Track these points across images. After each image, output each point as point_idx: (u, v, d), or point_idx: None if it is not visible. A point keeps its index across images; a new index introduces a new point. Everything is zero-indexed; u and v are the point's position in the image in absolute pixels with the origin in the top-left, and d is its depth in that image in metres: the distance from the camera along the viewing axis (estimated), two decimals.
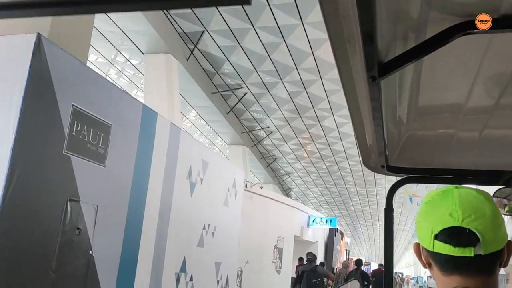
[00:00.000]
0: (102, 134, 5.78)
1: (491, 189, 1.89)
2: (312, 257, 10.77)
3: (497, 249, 1.01)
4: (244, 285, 15.50)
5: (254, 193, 16.68)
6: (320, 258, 24.46)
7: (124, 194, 6.24)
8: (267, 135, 21.92)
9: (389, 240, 2.06)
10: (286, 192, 29.05)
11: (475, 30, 1.02)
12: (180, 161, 7.62)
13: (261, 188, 17.84)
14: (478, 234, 0.97)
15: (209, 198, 8.99)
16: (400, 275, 38.44)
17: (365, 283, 11.86)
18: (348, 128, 20.52)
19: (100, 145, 5.76)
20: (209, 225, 8.98)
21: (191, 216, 8.17)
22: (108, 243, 5.98)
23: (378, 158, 1.87)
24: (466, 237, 0.98)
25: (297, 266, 15.59)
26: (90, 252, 5.64)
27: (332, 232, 26.57)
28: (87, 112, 5.52)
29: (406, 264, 74.59)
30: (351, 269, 14.14)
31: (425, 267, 1.10)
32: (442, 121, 1.73)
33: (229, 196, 10.27)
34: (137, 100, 7.03)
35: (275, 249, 18.92)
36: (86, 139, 5.53)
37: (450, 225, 1.00)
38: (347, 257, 35.22)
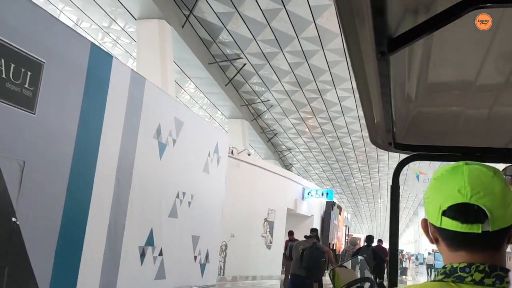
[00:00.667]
0: (29, 73, 4.34)
1: (499, 167, 1.62)
2: (316, 232, 9.07)
3: (505, 225, 0.94)
4: (229, 261, 14.01)
5: (241, 160, 14.92)
6: None
7: (65, 149, 4.82)
8: (267, 109, 20.46)
9: (395, 217, 1.89)
10: (287, 167, 27.65)
11: (487, 4, 0.99)
12: (145, 116, 6.19)
13: (249, 155, 16.00)
14: (486, 211, 0.92)
15: (184, 162, 7.57)
16: (401, 251, 37.06)
17: (375, 262, 10.28)
18: (351, 102, 19.08)
19: (26, 86, 4.32)
20: (184, 193, 7.61)
21: (160, 181, 6.79)
22: (41, 209, 4.57)
23: (385, 135, 1.74)
24: (474, 214, 0.92)
25: (287, 241, 13.45)
26: (14, 219, 4.26)
27: (329, 205, 24.15)
28: (5, 42, 4.11)
29: (407, 241, 73.47)
30: (360, 246, 12.43)
31: (432, 242, 1.03)
32: (451, 98, 1.61)
33: (210, 162, 8.85)
34: (83, 37, 5.55)
35: (265, 222, 17.05)
36: (4, 76, 4.11)
37: (459, 202, 0.94)
38: (347, 233, 33.41)
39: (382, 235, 66.93)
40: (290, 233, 13.51)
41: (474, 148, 1.88)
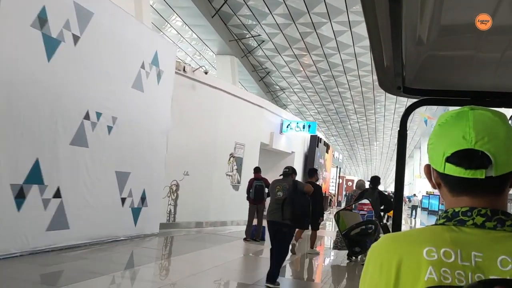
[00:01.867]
0: None
1: (508, 112, 1.68)
2: (288, 170, 6.21)
3: (508, 170, 0.87)
4: (182, 204, 10.82)
5: (196, 80, 11.08)
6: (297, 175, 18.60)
7: None
8: (258, 45, 17.80)
9: (401, 163, 1.74)
10: (282, 109, 25.24)
11: None
12: None
13: (206, 73, 11.54)
14: (490, 156, 0.84)
15: (96, 71, 5.26)
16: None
17: (382, 207, 7.96)
18: (347, 37, 16.41)
19: None
20: (98, 113, 5.24)
21: (51, 94, 4.49)
22: None
23: (394, 79, 1.59)
24: (478, 160, 0.84)
25: (252, 180, 10.07)
26: None
27: (314, 141, 19.08)
28: None
29: None
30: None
31: (434, 187, 0.96)
32: (464, 41, 1.43)
33: (145, 76, 6.37)
34: None
35: (231, 158, 13.02)
36: None
37: (463, 148, 0.86)
38: (339, 174, 30.63)
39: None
40: (256, 170, 10.19)
41: (484, 93, 1.68)
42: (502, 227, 0.84)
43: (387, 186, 74.75)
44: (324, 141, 21.50)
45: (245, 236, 9.80)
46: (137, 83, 6.29)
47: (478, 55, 1.50)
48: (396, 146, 1.74)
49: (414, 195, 33.25)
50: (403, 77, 1.58)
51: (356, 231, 8.37)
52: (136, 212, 7.05)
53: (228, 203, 12.44)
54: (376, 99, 22.92)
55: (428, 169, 0.95)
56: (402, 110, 26.60)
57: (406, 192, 59.36)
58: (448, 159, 0.87)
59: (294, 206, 5.77)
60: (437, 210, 32.42)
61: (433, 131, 0.94)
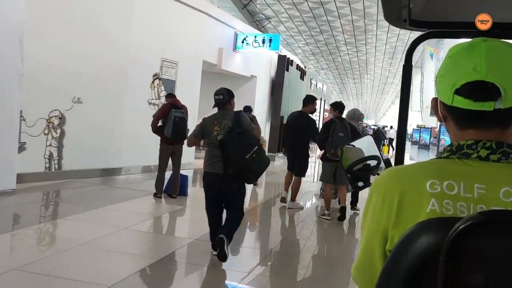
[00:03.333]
0: None
1: None
2: (222, 96, 4.15)
3: None
4: (72, 143, 7.52)
5: None
6: (261, 106, 13.71)
7: None
8: None
9: (406, 99, 1.64)
10: None
11: None
12: None
13: None
14: (500, 88, 0.80)
15: None
16: (385, 127, 33.35)
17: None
18: None
19: None
20: None
21: None
22: None
23: (400, 11, 1.48)
24: (488, 91, 0.81)
25: (166, 106, 6.60)
26: None
27: (282, 63, 14.58)
28: None
29: (393, 117, 71.23)
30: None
31: (440, 121, 0.94)
32: None
33: None
34: None
35: (157, 81, 9.32)
36: None
37: (473, 79, 0.82)
38: (323, 108, 27.67)
39: (367, 113, 63.55)
40: (170, 95, 6.97)
41: (494, 24, 1.47)
42: (507, 160, 0.82)
43: (378, 120, 73.94)
44: (297, 64, 16.96)
45: (155, 191, 6.76)
46: None
47: None
48: (401, 82, 1.60)
49: (391, 127, 29.38)
50: (409, 9, 1.47)
51: (359, 166, 7.13)
52: None
53: (152, 142, 7.55)
54: (367, 28, 21.10)
55: (435, 103, 0.92)
56: (395, 40, 24.78)
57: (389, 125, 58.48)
58: (458, 91, 0.83)
59: (230, 151, 3.85)
60: (428, 144, 31.55)
61: (442, 64, 0.89)
